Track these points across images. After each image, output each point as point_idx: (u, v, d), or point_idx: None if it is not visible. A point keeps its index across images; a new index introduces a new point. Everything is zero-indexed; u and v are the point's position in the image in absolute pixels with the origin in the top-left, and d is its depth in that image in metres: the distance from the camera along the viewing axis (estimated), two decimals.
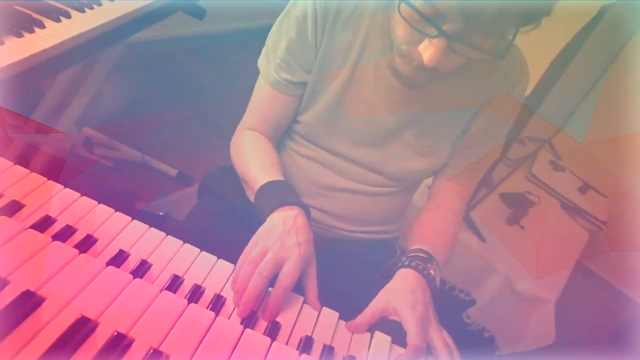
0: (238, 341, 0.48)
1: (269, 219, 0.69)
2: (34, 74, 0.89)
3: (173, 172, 1.79)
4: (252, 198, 0.78)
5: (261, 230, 0.68)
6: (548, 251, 1.58)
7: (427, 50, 0.64)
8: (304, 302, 0.64)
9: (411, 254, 0.76)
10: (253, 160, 0.83)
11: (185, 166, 1.81)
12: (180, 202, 1.69)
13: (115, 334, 0.41)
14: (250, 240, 0.66)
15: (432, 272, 0.74)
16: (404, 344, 0.63)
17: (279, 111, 0.86)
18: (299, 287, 0.65)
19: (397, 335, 0.65)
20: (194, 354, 0.44)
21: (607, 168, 1.92)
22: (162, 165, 1.79)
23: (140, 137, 1.79)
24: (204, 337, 0.46)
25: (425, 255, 0.76)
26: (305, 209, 0.72)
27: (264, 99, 0.86)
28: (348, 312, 0.66)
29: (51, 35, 0.92)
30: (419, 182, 1.02)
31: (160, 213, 1.30)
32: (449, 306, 1.51)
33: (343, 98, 0.81)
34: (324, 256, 0.73)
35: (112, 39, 1.09)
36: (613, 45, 1.71)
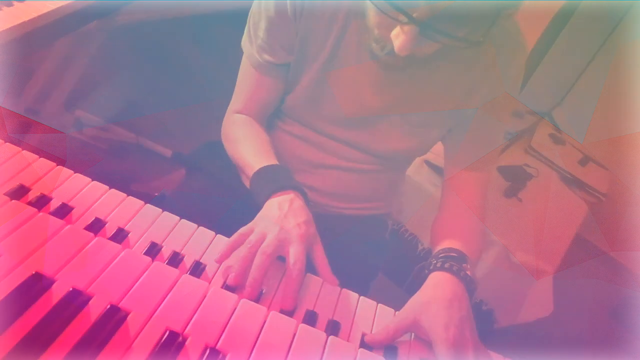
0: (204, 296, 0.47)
1: (265, 205, 0.68)
2: (15, 50, 0.88)
3: (168, 152, 1.78)
4: (247, 184, 0.77)
5: (258, 216, 0.66)
6: (546, 224, 1.56)
7: (398, 38, 0.60)
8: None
9: (442, 255, 0.70)
10: (245, 145, 0.82)
11: (180, 147, 1.80)
12: (176, 183, 1.69)
13: (71, 290, 0.40)
14: (245, 226, 0.64)
15: (469, 273, 0.67)
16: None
17: (264, 94, 0.84)
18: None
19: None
20: (156, 309, 0.43)
21: (608, 140, 1.90)
22: (156, 147, 1.78)
23: (133, 119, 1.77)
24: (167, 294, 0.45)
25: (457, 255, 0.69)
26: (301, 191, 0.70)
27: (248, 82, 0.84)
28: (344, 284, 0.64)
29: (32, 8, 0.91)
30: (409, 161, 0.99)
31: (156, 194, 1.29)
32: None
33: (325, 79, 0.79)
34: (319, 233, 0.71)
35: (98, 12, 1.08)
36: (605, 19, 1.68)
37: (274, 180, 0.71)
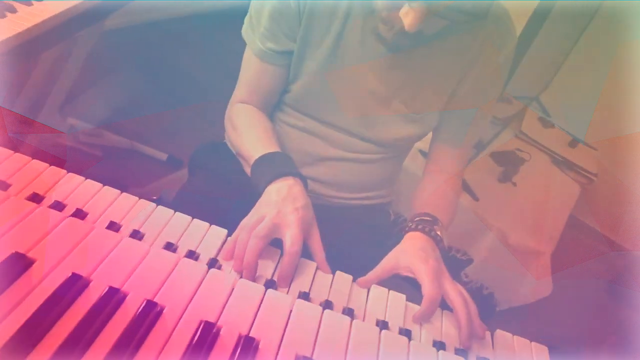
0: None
1: (264, 192, 0.70)
2: (9, 60, 0.87)
3: (163, 156, 1.78)
4: (249, 173, 0.78)
5: (257, 203, 0.68)
6: (541, 206, 1.60)
7: (408, 16, 0.63)
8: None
9: (416, 219, 0.77)
10: (246, 134, 0.83)
11: (174, 150, 1.80)
12: (173, 185, 1.69)
13: (108, 288, 0.41)
14: (245, 217, 0.66)
15: (438, 232, 0.74)
16: (418, 302, 0.64)
17: (268, 82, 0.85)
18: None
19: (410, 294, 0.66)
20: (189, 303, 0.44)
21: (596, 122, 1.93)
22: (151, 151, 1.78)
23: (126, 124, 1.77)
24: (197, 287, 0.46)
25: (429, 218, 0.77)
26: (301, 177, 0.72)
27: (251, 71, 0.85)
28: (349, 274, 0.66)
29: (23, 19, 0.91)
30: (409, 148, 1.02)
31: (154, 197, 1.29)
32: (447, 266, 1.52)
33: (329, 65, 0.80)
34: (321, 224, 0.73)
35: (87, 20, 1.08)
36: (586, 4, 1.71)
37: (273, 167, 0.72)
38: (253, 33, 0.81)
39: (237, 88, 0.89)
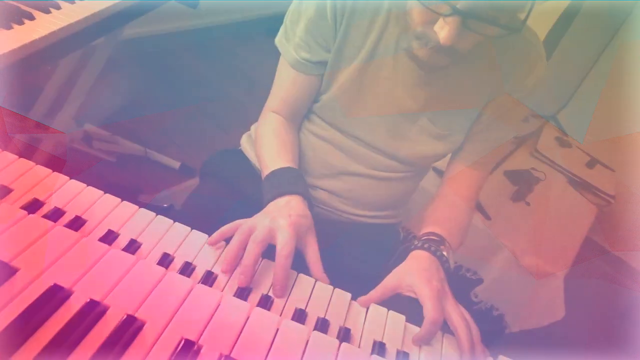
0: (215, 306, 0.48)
1: (267, 206, 0.70)
2: (24, 67, 0.89)
3: (176, 164, 1.80)
4: None
5: (257, 214, 0.68)
6: (555, 227, 1.56)
7: (443, 30, 0.63)
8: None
9: (423, 237, 0.76)
10: (267, 146, 0.84)
11: (187, 158, 1.81)
12: (184, 194, 1.70)
13: (89, 301, 0.40)
14: (241, 220, 0.67)
15: (445, 253, 0.73)
16: (418, 324, 0.62)
17: (301, 91, 0.85)
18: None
19: (411, 314, 0.64)
20: (171, 319, 0.43)
21: (614, 142, 1.89)
22: (164, 159, 1.79)
23: (141, 131, 1.79)
24: (181, 303, 0.45)
25: (437, 238, 0.76)
26: (305, 195, 0.72)
27: (285, 80, 0.86)
28: (354, 293, 0.65)
29: (41, 27, 0.92)
30: (429, 167, 1.01)
31: (165, 205, 1.30)
32: (456, 286, 1.49)
33: (362, 79, 0.81)
34: (329, 238, 0.73)
35: (104, 29, 1.09)
36: (608, 21, 1.68)
37: (280, 184, 0.73)
38: (288, 43, 0.82)
39: (269, 97, 0.90)
